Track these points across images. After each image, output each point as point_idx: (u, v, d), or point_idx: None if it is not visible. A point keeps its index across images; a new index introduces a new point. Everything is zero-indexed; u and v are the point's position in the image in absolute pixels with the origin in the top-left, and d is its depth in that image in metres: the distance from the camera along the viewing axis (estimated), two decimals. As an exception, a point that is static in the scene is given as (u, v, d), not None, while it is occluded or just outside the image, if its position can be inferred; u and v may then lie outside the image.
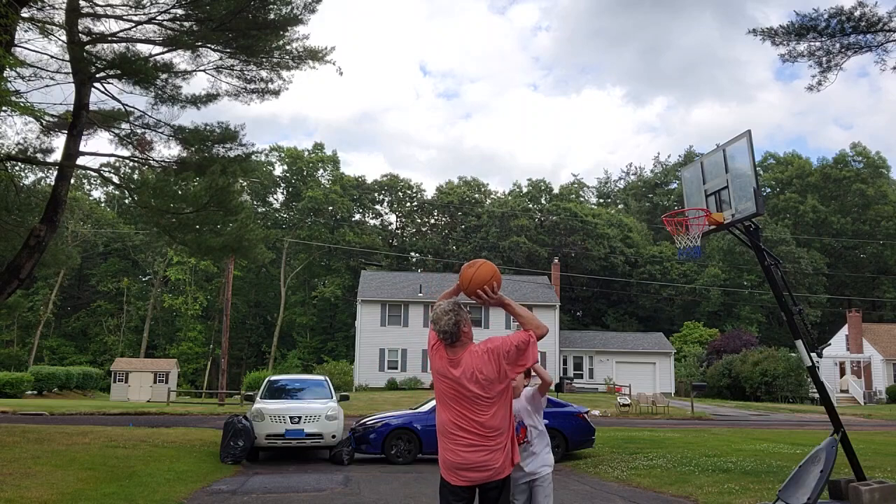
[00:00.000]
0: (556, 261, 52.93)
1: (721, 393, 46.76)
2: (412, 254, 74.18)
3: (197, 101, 16.58)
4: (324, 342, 67.11)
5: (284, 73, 16.64)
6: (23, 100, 12.52)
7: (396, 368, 44.27)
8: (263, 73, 16.56)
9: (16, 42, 13.39)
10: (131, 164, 18.41)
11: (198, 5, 14.67)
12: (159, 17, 14.73)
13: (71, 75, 14.67)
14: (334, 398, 14.41)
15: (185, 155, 16.80)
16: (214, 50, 15.62)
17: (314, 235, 68.81)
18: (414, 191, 77.49)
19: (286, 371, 55.14)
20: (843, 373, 46.09)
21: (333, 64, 16.65)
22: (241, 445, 12.73)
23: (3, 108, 11.77)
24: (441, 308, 4.19)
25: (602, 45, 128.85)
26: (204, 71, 16.05)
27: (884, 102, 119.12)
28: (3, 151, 15.35)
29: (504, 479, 4.14)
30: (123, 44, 15.15)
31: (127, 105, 16.18)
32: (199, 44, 15.21)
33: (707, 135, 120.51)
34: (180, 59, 15.65)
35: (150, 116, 16.26)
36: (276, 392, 14.70)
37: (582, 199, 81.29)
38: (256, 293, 71.92)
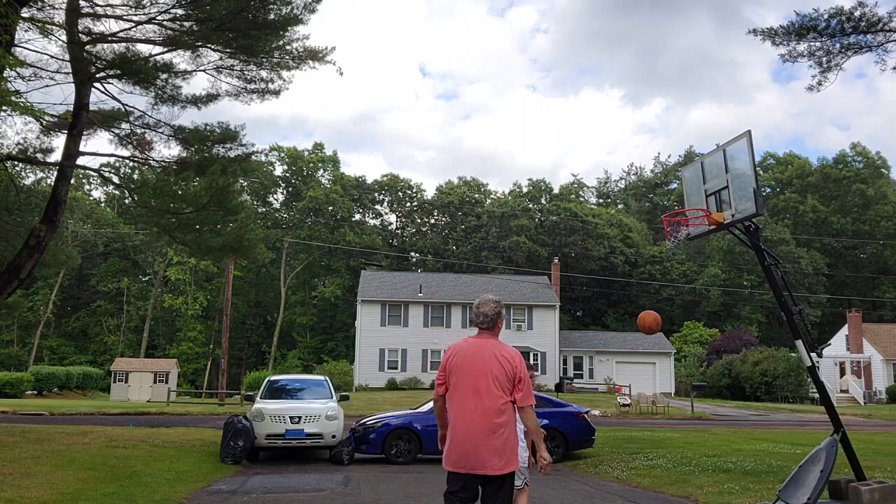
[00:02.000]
0: (556, 261, 52.91)
1: (721, 393, 46.76)
2: (412, 254, 74.18)
3: (197, 101, 16.58)
4: (324, 342, 67.10)
5: (285, 73, 16.64)
6: (23, 100, 12.49)
7: (396, 368, 44.26)
8: (263, 73, 16.56)
9: (16, 42, 13.39)
10: (131, 164, 18.42)
11: (198, 5, 14.66)
12: (159, 17, 14.72)
13: (71, 75, 14.66)
14: (334, 398, 14.40)
15: (185, 155, 16.79)
16: (214, 50, 15.61)
17: (314, 235, 68.80)
18: (414, 191, 77.51)
19: (286, 371, 55.14)
20: (843, 373, 46.09)
21: (333, 64, 16.65)
22: (241, 445, 12.72)
23: (3, 108, 11.77)
24: (486, 297, 4.87)
25: (600, 47, 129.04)
26: (204, 71, 16.06)
27: (881, 103, 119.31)
28: (3, 151, 15.34)
29: (507, 473, 4.53)
30: (123, 44, 15.15)
31: (127, 105, 16.20)
32: (199, 44, 15.20)
33: (705, 136, 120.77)
34: (180, 59, 15.66)
35: (150, 116, 16.27)
36: (276, 392, 14.69)
37: (582, 199, 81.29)
38: (256, 293, 71.91)
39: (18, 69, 13.45)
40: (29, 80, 14.37)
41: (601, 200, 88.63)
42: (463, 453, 4.49)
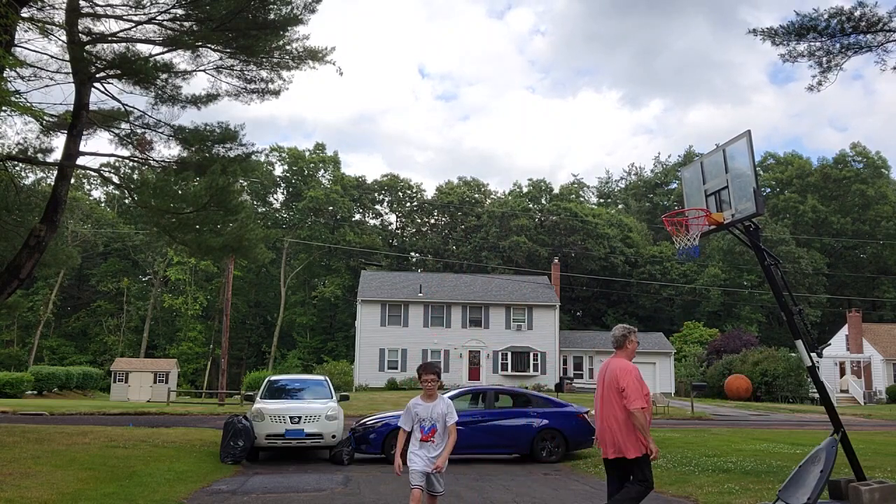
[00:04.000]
0: (556, 261, 52.91)
1: (721, 393, 46.73)
2: (412, 254, 74.17)
3: (197, 101, 16.57)
4: (324, 342, 67.10)
5: (284, 74, 16.64)
6: (23, 100, 12.50)
7: (396, 368, 44.26)
8: (263, 73, 16.55)
9: (16, 42, 13.38)
10: (131, 164, 18.43)
11: (198, 5, 14.65)
12: (159, 17, 14.72)
13: (71, 75, 14.65)
14: (334, 398, 14.40)
15: (185, 155, 16.78)
16: (214, 50, 15.60)
17: (314, 235, 68.79)
18: (414, 191, 77.51)
19: (286, 371, 55.13)
20: (843, 373, 46.08)
21: (333, 64, 16.64)
22: (241, 445, 12.72)
23: (3, 108, 11.76)
24: (620, 325, 6.71)
25: (597, 49, 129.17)
26: (204, 71, 16.05)
27: (879, 104, 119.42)
28: (3, 151, 15.34)
29: (634, 458, 6.18)
30: (123, 44, 15.14)
31: (127, 105, 16.19)
32: (199, 44, 15.19)
33: (704, 136, 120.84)
34: (180, 59, 15.65)
35: (150, 116, 16.26)
36: (276, 392, 14.68)
37: (582, 199, 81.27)
38: (256, 293, 71.89)
39: (18, 69, 13.46)
40: (29, 80, 14.38)
41: (601, 200, 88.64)
42: (602, 442, 6.46)
